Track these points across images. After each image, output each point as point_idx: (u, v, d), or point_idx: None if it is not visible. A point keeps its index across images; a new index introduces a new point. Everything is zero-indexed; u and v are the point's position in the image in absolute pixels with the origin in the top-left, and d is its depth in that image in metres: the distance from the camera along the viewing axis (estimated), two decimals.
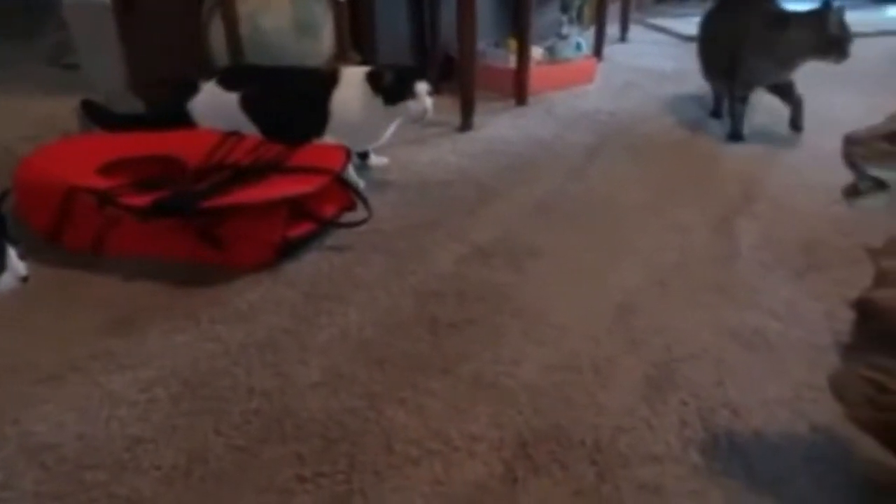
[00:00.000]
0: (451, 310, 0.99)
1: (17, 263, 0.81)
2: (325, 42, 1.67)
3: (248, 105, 1.37)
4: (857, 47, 2.13)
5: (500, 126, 1.85)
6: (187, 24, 1.59)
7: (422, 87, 1.35)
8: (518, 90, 2.01)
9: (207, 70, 1.48)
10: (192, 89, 1.39)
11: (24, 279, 0.81)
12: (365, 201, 1.24)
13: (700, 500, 0.67)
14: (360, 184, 1.39)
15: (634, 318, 0.97)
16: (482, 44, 2.07)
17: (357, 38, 1.83)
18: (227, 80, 1.40)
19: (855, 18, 2.03)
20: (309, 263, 1.13)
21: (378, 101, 1.35)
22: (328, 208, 1.22)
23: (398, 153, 1.63)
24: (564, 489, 0.68)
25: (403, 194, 1.42)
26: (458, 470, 0.71)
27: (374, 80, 1.35)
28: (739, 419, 0.78)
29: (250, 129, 1.36)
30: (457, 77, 1.81)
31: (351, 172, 1.38)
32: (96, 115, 1.47)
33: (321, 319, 0.97)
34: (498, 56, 2.15)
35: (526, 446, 0.74)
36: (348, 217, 1.23)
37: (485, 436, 0.75)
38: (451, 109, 1.85)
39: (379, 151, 1.57)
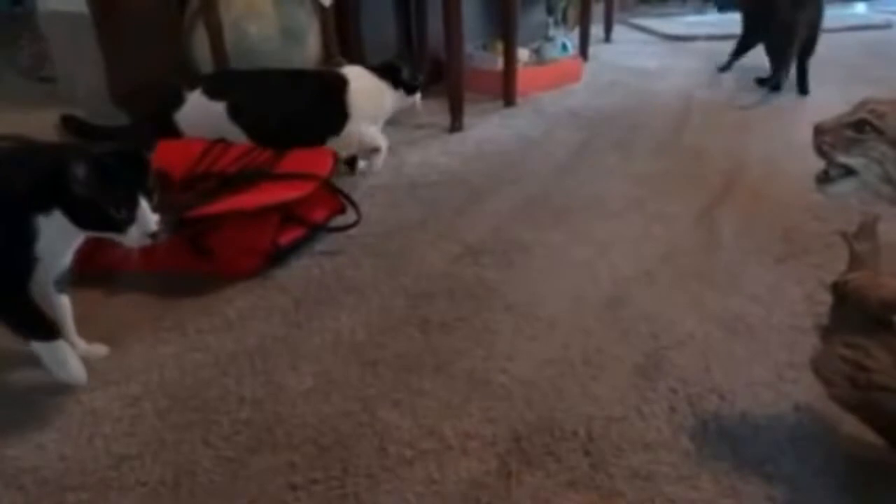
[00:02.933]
0: (442, 309, 1.00)
1: (147, 218, 0.77)
2: (311, 48, 1.69)
3: (236, 114, 1.36)
4: (827, 41, 2.20)
5: (489, 127, 1.87)
6: (169, 32, 1.58)
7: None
8: (506, 91, 2.03)
9: (189, 78, 1.47)
10: (178, 99, 1.37)
11: (153, 235, 0.78)
12: (354, 204, 1.25)
13: (691, 485, 0.68)
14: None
15: (623, 308, 0.99)
16: (469, 47, 2.09)
17: (343, 43, 1.85)
18: (212, 88, 1.39)
19: (825, 14, 2.11)
20: (299, 269, 1.14)
21: (389, 93, 1.49)
22: (318, 213, 1.22)
23: (388, 156, 1.65)
24: (558, 480, 0.69)
25: (394, 196, 1.43)
26: (452, 468, 0.71)
27: (394, 73, 1.49)
28: (726, 403, 0.79)
29: (239, 139, 1.36)
30: (445, 80, 1.83)
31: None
32: (78, 130, 1.44)
33: (312, 324, 0.97)
34: (485, 59, 2.17)
35: (520, 440, 0.74)
36: (338, 221, 1.24)
37: (478, 432, 0.76)
38: (440, 112, 1.87)
39: (367, 155, 1.59)
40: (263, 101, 1.39)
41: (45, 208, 0.76)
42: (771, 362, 0.86)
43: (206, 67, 1.58)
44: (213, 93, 1.38)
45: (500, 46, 2.05)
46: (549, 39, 2.35)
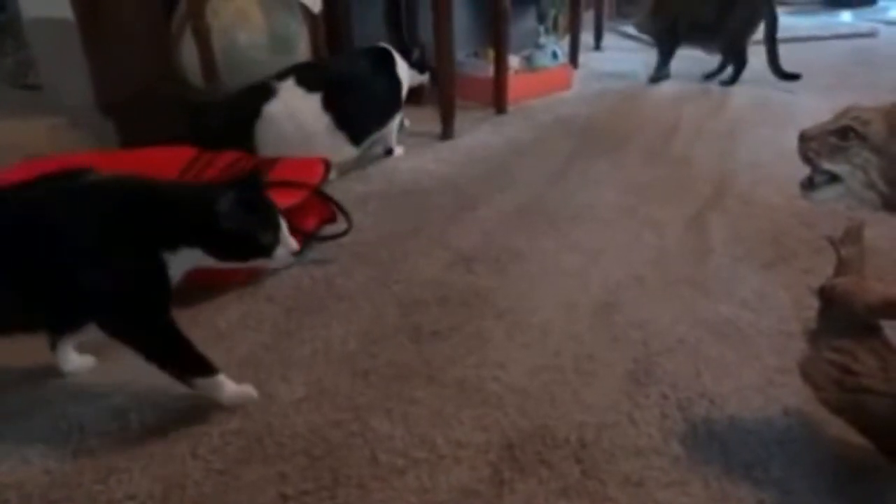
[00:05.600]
0: (434, 317, 1.00)
1: (288, 237, 0.79)
2: (301, 56, 1.69)
3: (329, 103, 1.40)
4: (814, 50, 2.24)
5: (480, 134, 1.88)
6: (156, 40, 1.57)
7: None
8: (497, 99, 2.05)
9: (179, 84, 1.48)
10: (269, 92, 1.36)
11: (296, 254, 0.80)
12: (345, 212, 1.25)
13: (681, 490, 0.68)
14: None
15: (614, 314, 0.99)
16: (460, 54, 2.11)
17: (334, 51, 1.85)
18: (306, 79, 1.40)
19: (811, 23, 2.16)
20: (290, 278, 1.13)
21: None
22: (308, 222, 1.22)
23: (380, 163, 1.65)
24: (551, 488, 0.69)
25: (385, 204, 1.43)
26: (444, 476, 0.71)
27: (405, 53, 1.65)
28: (716, 408, 0.80)
29: (327, 133, 1.40)
30: (436, 88, 1.84)
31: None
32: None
33: (303, 334, 0.97)
34: (476, 66, 2.19)
35: (512, 448, 0.74)
36: (329, 229, 1.24)
37: (471, 441, 0.76)
38: (431, 119, 1.87)
39: (364, 160, 1.62)
40: (353, 86, 1.47)
41: (176, 246, 0.75)
42: (760, 367, 0.86)
43: (194, 76, 1.57)
44: (308, 84, 1.39)
45: (490, 54, 2.06)
46: (539, 47, 2.37)
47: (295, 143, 1.36)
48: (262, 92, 1.37)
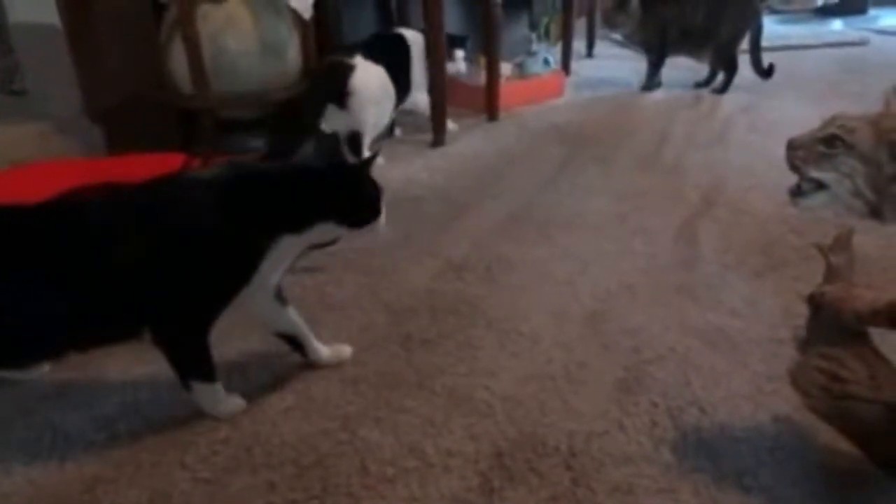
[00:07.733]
0: (424, 325, 1.00)
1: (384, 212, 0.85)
2: (290, 62, 1.69)
3: (392, 74, 1.64)
4: (805, 58, 2.26)
5: (471, 141, 1.88)
6: (145, 46, 1.57)
7: (459, 53, 1.90)
8: (489, 106, 2.05)
9: (169, 91, 1.48)
10: (350, 67, 1.52)
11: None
12: None
13: (671, 498, 0.68)
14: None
15: (604, 322, 0.99)
16: None
17: (323, 57, 1.85)
18: (370, 54, 1.60)
19: (802, 31, 2.18)
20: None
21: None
22: None
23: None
24: (540, 496, 0.69)
25: None
26: (434, 485, 0.70)
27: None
28: (706, 415, 0.80)
29: (391, 96, 1.66)
30: (428, 94, 1.85)
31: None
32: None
33: None
34: (468, 73, 2.19)
35: (502, 457, 0.74)
36: None
37: (460, 449, 0.75)
38: (423, 126, 1.88)
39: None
40: (400, 62, 1.72)
41: (310, 224, 0.78)
42: (750, 374, 0.87)
43: (183, 82, 1.57)
44: (372, 56, 1.59)
45: (482, 61, 2.07)
46: (531, 54, 2.38)
47: (376, 106, 1.59)
48: (347, 68, 1.53)
